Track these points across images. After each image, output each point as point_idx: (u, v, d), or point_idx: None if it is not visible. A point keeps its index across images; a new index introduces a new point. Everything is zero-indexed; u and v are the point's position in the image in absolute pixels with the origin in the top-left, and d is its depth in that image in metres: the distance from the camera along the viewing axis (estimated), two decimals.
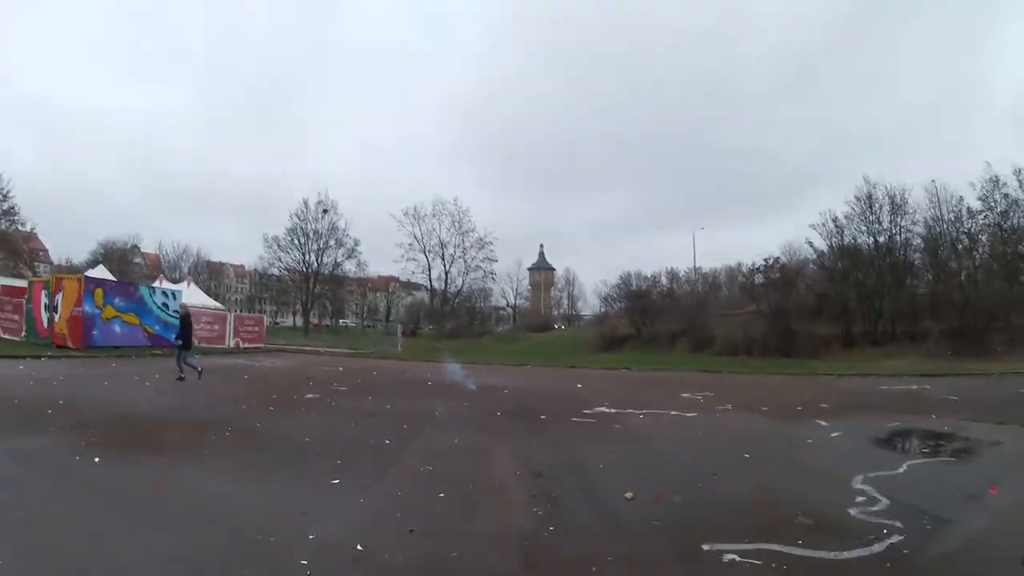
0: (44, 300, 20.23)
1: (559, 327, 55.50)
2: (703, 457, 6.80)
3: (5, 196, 37.02)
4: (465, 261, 51.93)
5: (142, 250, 51.42)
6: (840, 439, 7.90)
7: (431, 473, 5.61)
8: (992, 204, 28.91)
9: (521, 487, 5.22)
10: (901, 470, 5.96)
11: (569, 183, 60.80)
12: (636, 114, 56.52)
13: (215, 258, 54.01)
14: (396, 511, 4.34)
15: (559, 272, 62.21)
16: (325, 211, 49.51)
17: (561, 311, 61.18)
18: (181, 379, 12.08)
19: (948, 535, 4.00)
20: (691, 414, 10.15)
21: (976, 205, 29.26)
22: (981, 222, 29.57)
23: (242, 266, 55.88)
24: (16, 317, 21.57)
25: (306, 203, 49.63)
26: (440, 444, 7.03)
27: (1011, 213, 28.64)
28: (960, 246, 30.14)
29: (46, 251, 44.14)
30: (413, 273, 52.37)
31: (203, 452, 6.06)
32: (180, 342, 12.77)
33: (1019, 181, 28.39)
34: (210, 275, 52.16)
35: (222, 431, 7.16)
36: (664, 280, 43.24)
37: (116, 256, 43.70)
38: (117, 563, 3.22)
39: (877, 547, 3.72)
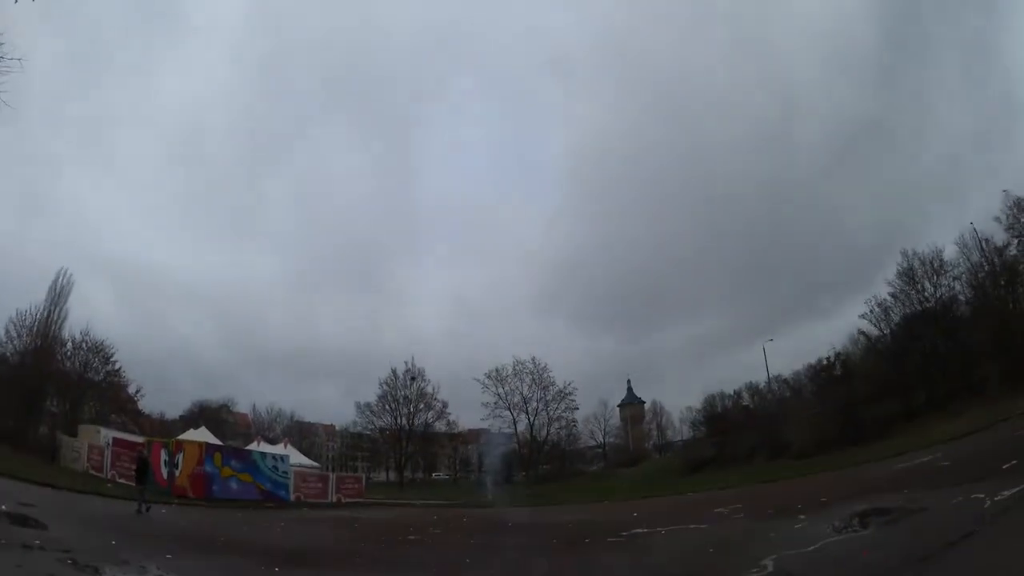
0: (164, 457, 24.07)
1: (655, 457, 55.18)
2: (678, 554, 9.28)
3: (108, 359, 39.08)
4: (548, 413, 54.38)
5: (233, 410, 56.37)
6: (796, 530, 9.86)
7: None
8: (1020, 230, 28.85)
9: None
10: (812, 548, 8.10)
11: (651, 316, 62.64)
12: (711, 229, 58.84)
13: (306, 418, 58.40)
14: None
15: (648, 404, 62.47)
16: (412, 379, 54.78)
17: (651, 442, 60.45)
18: (139, 512, 13.89)
19: None
20: (704, 525, 12.27)
21: (1004, 237, 29.25)
22: (1013, 252, 29.29)
23: (332, 425, 61.09)
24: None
25: (395, 372, 55.16)
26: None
27: None
28: (1002, 281, 29.67)
29: (135, 403, 47.43)
30: (500, 428, 55.20)
31: (352, 568, 9.49)
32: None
33: None
34: (301, 435, 57.13)
35: (353, 558, 10.66)
36: (745, 395, 43.94)
37: (210, 415, 48.08)
38: None
39: None
